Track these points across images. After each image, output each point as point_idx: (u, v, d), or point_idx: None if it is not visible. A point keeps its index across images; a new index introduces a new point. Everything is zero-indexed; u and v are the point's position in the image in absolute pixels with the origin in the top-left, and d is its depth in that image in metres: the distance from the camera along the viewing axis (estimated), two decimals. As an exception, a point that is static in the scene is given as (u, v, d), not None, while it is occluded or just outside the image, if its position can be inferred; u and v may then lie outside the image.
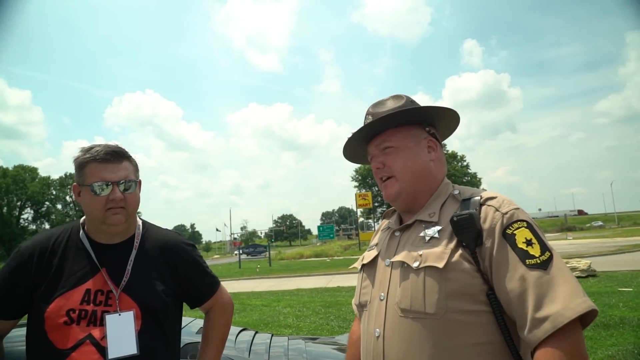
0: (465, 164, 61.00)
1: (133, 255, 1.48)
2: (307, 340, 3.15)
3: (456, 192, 1.28)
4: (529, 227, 1.10)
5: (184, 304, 1.63)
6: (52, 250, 1.44)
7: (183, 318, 1.67)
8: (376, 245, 1.41)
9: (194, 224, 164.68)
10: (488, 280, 1.09)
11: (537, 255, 1.05)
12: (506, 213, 1.13)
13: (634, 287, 10.10)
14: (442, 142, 1.43)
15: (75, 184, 1.47)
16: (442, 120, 1.36)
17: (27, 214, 73.81)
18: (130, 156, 1.51)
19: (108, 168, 1.42)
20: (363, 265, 1.40)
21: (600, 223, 72.91)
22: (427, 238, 1.19)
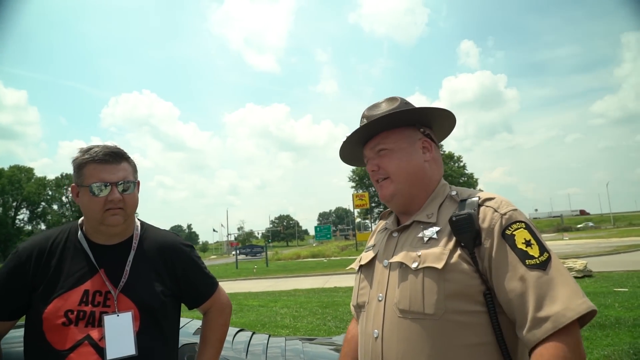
0: (462, 164, 61.04)
1: (131, 256, 1.48)
2: (304, 340, 3.15)
3: (454, 193, 1.28)
4: (528, 228, 1.11)
5: (182, 304, 1.63)
6: (50, 251, 1.44)
7: (181, 319, 1.66)
8: (373, 246, 1.41)
9: (190, 225, 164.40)
10: (486, 281, 1.10)
11: (536, 256, 1.06)
12: (505, 214, 1.14)
13: (629, 288, 10.16)
14: (439, 143, 1.44)
15: (73, 184, 1.47)
16: (438, 121, 1.37)
17: (23, 214, 73.49)
18: (129, 157, 1.51)
19: (107, 169, 1.42)
20: (361, 266, 1.40)
21: (591, 224, 73.34)
22: (426, 239, 1.20)
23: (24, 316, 1.43)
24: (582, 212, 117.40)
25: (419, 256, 1.16)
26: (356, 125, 1.37)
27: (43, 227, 71.36)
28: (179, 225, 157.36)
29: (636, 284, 10.67)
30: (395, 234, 1.32)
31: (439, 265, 1.11)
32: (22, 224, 72.72)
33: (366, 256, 1.39)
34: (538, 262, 1.05)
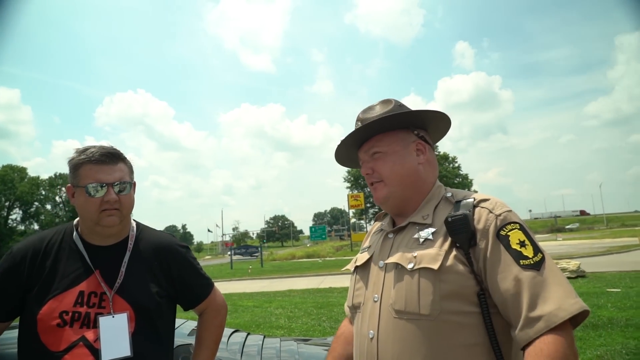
0: (457, 165, 61.27)
1: (127, 257, 1.48)
2: (299, 341, 3.15)
3: (449, 194, 1.29)
4: (522, 229, 1.12)
5: (178, 305, 1.62)
6: (45, 251, 1.43)
7: (176, 320, 1.66)
8: (369, 247, 1.42)
9: (185, 225, 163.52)
10: (481, 282, 1.11)
11: (530, 257, 1.07)
12: (500, 215, 1.15)
13: (622, 288, 10.23)
14: (434, 145, 1.45)
15: (69, 185, 1.46)
16: (433, 123, 1.38)
17: (16, 214, 72.71)
18: (125, 158, 1.50)
19: (103, 169, 1.41)
20: (356, 267, 1.40)
21: (576, 225, 74.08)
22: (421, 240, 1.20)
23: (18, 317, 1.43)
24: (583, 213, 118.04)
25: (415, 257, 1.17)
26: (351, 126, 1.37)
27: (36, 227, 70.73)
28: (174, 225, 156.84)
29: (628, 285, 10.75)
30: (390, 235, 1.32)
31: (435, 266, 1.12)
32: (14, 224, 72.00)
33: (362, 257, 1.40)
34: (532, 262, 1.06)
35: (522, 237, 1.10)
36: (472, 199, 1.21)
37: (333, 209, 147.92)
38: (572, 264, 13.30)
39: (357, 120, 1.36)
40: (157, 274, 1.51)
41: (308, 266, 29.04)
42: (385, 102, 1.36)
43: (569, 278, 12.21)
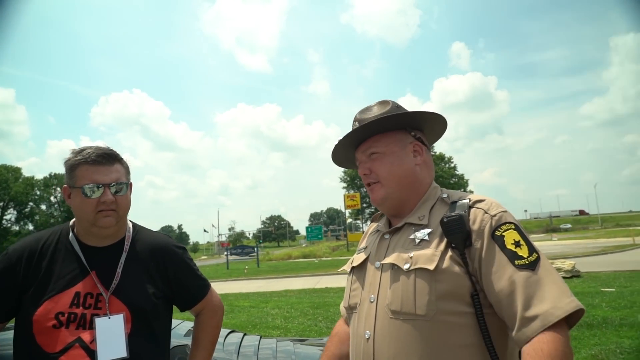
0: (452, 165, 61.44)
1: (123, 258, 1.48)
2: (295, 342, 3.14)
3: (445, 195, 1.30)
4: (517, 229, 1.13)
5: (174, 306, 1.62)
6: (41, 252, 1.43)
7: (172, 320, 1.66)
8: (365, 248, 1.42)
9: (181, 225, 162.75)
10: (476, 282, 1.12)
11: (525, 256, 1.08)
12: (495, 215, 1.16)
13: (616, 288, 10.29)
14: (430, 146, 1.45)
15: (65, 185, 1.46)
16: (429, 124, 1.39)
17: (10, 214, 72.25)
18: (122, 158, 1.50)
19: (99, 170, 1.41)
20: (352, 268, 1.41)
21: (568, 225, 74.62)
22: (417, 240, 1.21)
23: (14, 318, 1.42)
24: (582, 212, 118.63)
25: (411, 257, 1.18)
26: (347, 126, 1.38)
27: (31, 227, 70.35)
28: (170, 225, 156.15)
29: (623, 284, 10.82)
30: (387, 236, 1.33)
31: (431, 267, 1.13)
32: (9, 225, 71.57)
33: (358, 258, 1.40)
34: (527, 262, 1.07)
35: (517, 237, 1.11)
36: (468, 200, 1.22)
37: (329, 209, 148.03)
38: (567, 264, 13.37)
39: (355, 120, 1.36)
40: (154, 275, 1.51)
41: (304, 266, 29.03)
42: (383, 103, 1.37)
43: (564, 278, 12.19)
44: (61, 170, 1.46)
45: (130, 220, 1.59)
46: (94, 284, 1.41)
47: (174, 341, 2.08)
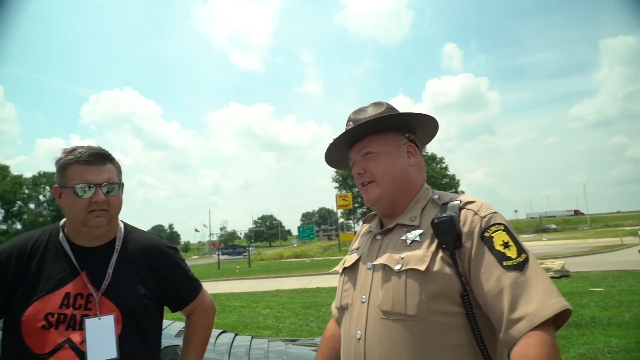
0: (444, 165, 61.71)
1: (114, 258, 1.47)
2: (287, 342, 3.14)
3: (436, 196, 1.31)
4: (506, 230, 1.14)
5: (165, 307, 1.62)
6: (30, 252, 1.42)
7: (163, 321, 1.65)
8: (357, 249, 1.43)
9: (172, 224, 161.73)
10: (466, 283, 1.12)
11: (513, 257, 1.09)
12: (485, 216, 1.17)
13: (604, 287, 10.42)
14: (422, 148, 1.47)
15: (56, 185, 1.44)
16: (422, 126, 1.40)
17: (-2, 213, 71.38)
18: (114, 158, 1.49)
19: (91, 170, 1.40)
20: (344, 269, 1.41)
21: (553, 226, 75.44)
22: (409, 241, 1.22)
23: (2, 319, 1.41)
24: (577, 212, 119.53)
25: (402, 258, 1.18)
26: (340, 126, 1.39)
27: (19, 226, 69.43)
28: (161, 225, 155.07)
29: (611, 284, 10.95)
30: (378, 237, 1.33)
31: (422, 267, 1.13)
32: (-4, 224, 70.68)
33: (350, 259, 1.41)
34: (515, 263, 1.08)
35: (507, 238, 1.12)
36: (459, 201, 1.23)
37: (321, 209, 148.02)
38: (556, 264, 13.49)
39: (349, 120, 1.37)
40: (145, 275, 1.50)
41: (296, 266, 28.96)
42: (377, 104, 1.38)
43: (553, 278, 12.40)
44: (50, 168, 1.45)
45: (122, 221, 1.58)
46: (84, 284, 1.40)
47: (165, 342, 2.07)
